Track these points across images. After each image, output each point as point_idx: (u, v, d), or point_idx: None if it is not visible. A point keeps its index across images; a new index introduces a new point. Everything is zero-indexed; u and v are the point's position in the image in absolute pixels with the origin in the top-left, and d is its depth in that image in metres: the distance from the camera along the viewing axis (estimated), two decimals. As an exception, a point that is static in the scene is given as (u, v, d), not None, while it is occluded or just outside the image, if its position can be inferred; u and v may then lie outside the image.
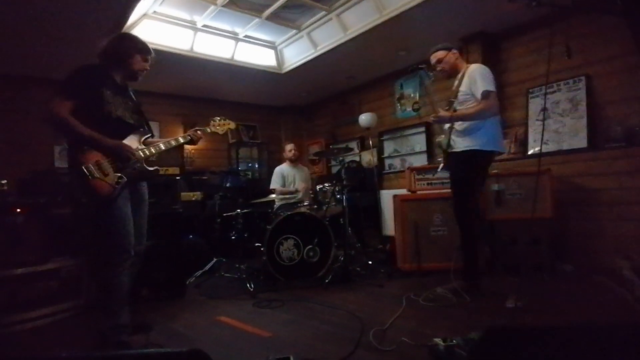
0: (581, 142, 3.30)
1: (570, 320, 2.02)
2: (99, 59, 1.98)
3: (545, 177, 3.01)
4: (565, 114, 3.40)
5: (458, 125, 2.51)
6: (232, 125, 2.44)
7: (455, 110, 2.51)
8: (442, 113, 2.52)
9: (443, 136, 2.61)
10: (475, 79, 2.41)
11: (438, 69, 2.66)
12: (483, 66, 2.50)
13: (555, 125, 3.39)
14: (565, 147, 3.38)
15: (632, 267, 2.42)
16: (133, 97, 2.09)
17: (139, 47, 2.01)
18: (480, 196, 2.57)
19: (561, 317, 2.08)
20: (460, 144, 2.49)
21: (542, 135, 2.10)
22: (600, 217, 3.19)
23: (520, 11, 3.27)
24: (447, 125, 2.59)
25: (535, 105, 3.62)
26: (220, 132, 2.39)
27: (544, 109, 2.39)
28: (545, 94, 2.12)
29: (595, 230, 3.21)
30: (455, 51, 2.60)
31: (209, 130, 2.31)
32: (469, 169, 2.46)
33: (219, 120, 2.38)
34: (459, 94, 2.51)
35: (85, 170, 1.77)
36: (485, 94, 2.37)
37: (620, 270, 2.58)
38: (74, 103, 1.80)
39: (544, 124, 2.09)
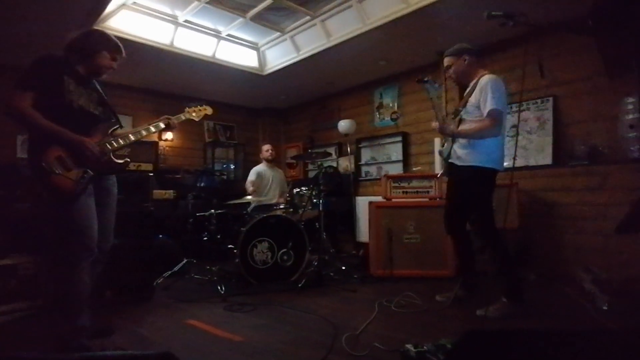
0: (546, 158, 3.49)
1: (539, 326, 2.12)
2: (64, 51, 1.89)
3: (513, 190, 3.14)
4: (533, 132, 3.59)
5: (460, 138, 2.40)
6: (209, 110, 2.36)
7: (461, 120, 2.41)
8: (446, 126, 2.43)
9: (446, 144, 2.52)
10: (486, 92, 2.23)
11: (447, 75, 2.52)
12: (497, 79, 2.28)
13: (523, 142, 3.57)
14: (531, 162, 3.57)
15: (592, 280, 2.57)
16: (98, 88, 1.99)
17: (108, 44, 1.93)
18: (491, 213, 2.39)
19: (527, 323, 2.16)
20: (462, 158, 2.36)
21: (515, 151, 2.18)
22: (562, 230, 3.37)
23: (495, 29, 3.41)
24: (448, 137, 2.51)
25: (506, 122, 3.79)
26: (197, 119, 2.31)
27: (518, 125, 2.49)
28: (519, 111, 2.20)
29: (557, 242, 3.39)
30: (466, 57, 2.39)
31: (183, 117, 2.22)
32: (467, 183, 2.35)
33: (194, 107, 2.31)
34: (468, 104, 2.35)
35: (45, 165, 1.67)
36: (491, 113, 2.20)
37: (581, 281, 2.73)
38: (34, 94, 1.71)
39: (517, 141, 2.18)
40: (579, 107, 3.42)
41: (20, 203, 2.68)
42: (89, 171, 1.78)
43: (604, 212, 3.15)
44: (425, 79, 2.61)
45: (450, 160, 2.47)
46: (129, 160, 1.97)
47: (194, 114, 2.28)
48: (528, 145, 3.59)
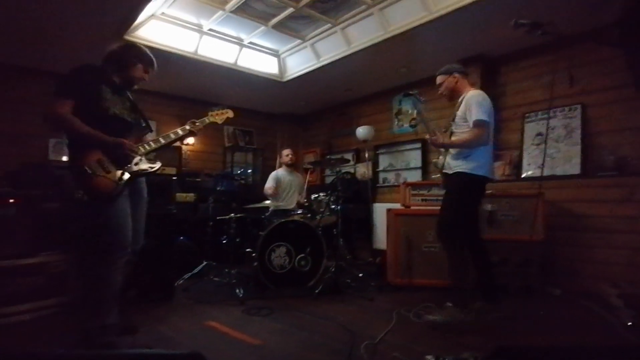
0: (574, 168, 3.38)
1: (563, 341, 2.05)
2: (103, 61, 2.02)
3: (538, 200, 3.07)
4: (560, 140, 3.49)
5: (452, 149, 2.55)
6: (231, 113, 2.45)
7: (452, 133, 2.57)
8: (437, 138, 2.57)
9: (441, 157, 2.65)
10: (471, 106, 2.43)
11: (439, 92, 2.70)
12: (482, 94, 2.50)
13: (550, 151, 3.47)
14: (558, 172, 3.46)
15: (619, 295, 2.47)
16: (130, 96, 2.10)
17: (143, 58, 2.08)
18: (475, 219, 2.54)
19: (551, 338, 2.10)
20: (452, 165, 2.51)
21: (544, 160, 2.15)
22: (590, 243, 3.25)
23: (520, 37, 3.36)
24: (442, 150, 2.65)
25: (530, 129, 3.71)
26: (219, 122, 2.40)
27: (546, 134, 2.41)
28: (548, 119, 2.16)
29: (583, 255, 3.27)
30: (456, 75, 2.62)
31: (207, 120, 2.32)
32: (459, 190, 2.47)
33: (217, 110, 2.39)
34: (456, 117, 2.54)
35: (87, 168, 1.76)
36: (477, 123, 2.38)
37: (608, 297, 2.64)
38: (73, 101, 1.81)
39: (545, 149, 2.14)
40: (607, 117, 3.31)
41: (51, 203, 2.80)
42: (126, 173, 1.86)
43: (632, 225, 3.03)
44: (411, 92, 2.78)
45: (444, 171, 2.59)
46: (160, 163, 2.05)
47: (217, 117, 2.36)
48: (555, 154, 3.49)
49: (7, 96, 4.12)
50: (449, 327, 2.25)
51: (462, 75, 2.64)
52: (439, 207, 2.65)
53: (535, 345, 1.82)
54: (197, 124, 2.20)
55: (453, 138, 2.53)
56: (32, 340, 2.12)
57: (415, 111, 2.82)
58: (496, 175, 2.54)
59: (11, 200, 2.52)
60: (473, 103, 2.42)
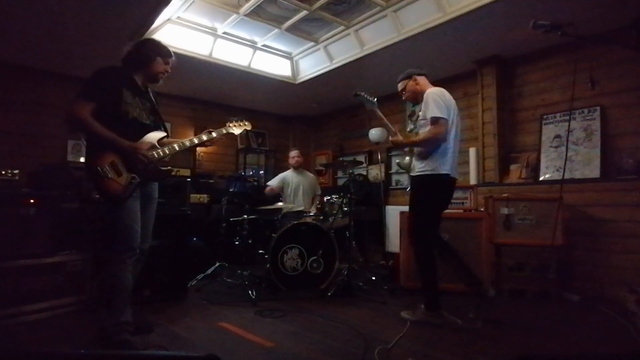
0: (594, 171, 3.29)
1: (580, 349, 1.99)
2: (123, 62, 2.05)
3: (558, 204, 2.99)
4: (579, 143, 3.40)
5: (416, 149, 2.53)
6: (249, 125, 2.45)
7: (416, 134, 2.56)
8: (397, 138, 2.56)
9: (407, 157, 2.64)
10: (427, 104, 2.42)
11: (403, 98, 2.70)
12: (438, 90, 2.48)
13: (569, 154, 3.38)
14: (577, 175, 3.36)
15: (636, 300, 2.39)
16: (152, 98, 2.13)
17: (161, 51, 2.09)
18: (439, 220, 2.54)
19: (570, 346, 2.04)
20: (417, 168, 2.49)
21: (565, 163, 2.10)
22: (609, 248, 3.15)
23: (537, 38, 3.30)
24: (407, 148, 2.65)
25: (548, 131, 3.63)
26: (237, 133, 2.40)
27: (567, 136, 2.33)
28: (569, 121, 2.10)
29: (603, 260, 3.18)
30: (416, 77, 2.61)
31: (224, 131, 2.31)
32: (420, 191, 2.46)
33: (235, 121, 2.40)
34: (419, 118, 2.53)
35: (99, 169, 1.80)
36: (433, 121, 2.37)
37: (625, 302, 2.55)
38: (94, 104, 1.86)
39: (567, 153, 2.09)
40: (628, 119, 3.21)
41: (69, 203, 2.87)
42: (137, 177, 1.89)
43: (655, 230, 2.93)
44: (357, 93, 2.74)
45: (410, 173, 2.58)
46: (172, 168, 2.08)
47: (235, 129, 2.36)
48: (574, 157, 3.40)
49: (28, 98, 4.24)
50: (470, 331, 2.22)
51: (422, 76, 2.63)
52: (456, 209, 2.62)
53: (555, 355, 1.77)
54: (213, 134, 2.20)
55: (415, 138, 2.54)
56: (51, 338, 2.17)
57: (368, 110, 2.79)
58: (457, 175, 2.53)
59: (31, 201, 2.58)
60: (429, 100, 2.41)
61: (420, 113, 2.52)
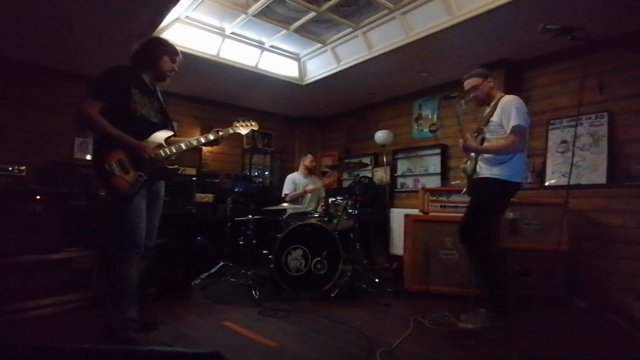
0: (600, 177, 3.26)
1: (586, 356, 1.98)
2: (131, 61, 2.07)
3: (564, 209, 2.97)
4: (586, 149, 3.37)
5: (486, 154, 2.46)
6: (256, 125, 2.46)
7: (483, 139, 2.48)
8: (470, 142, 2.46)
9: (469, 162, 2.57)
10: (510, 111, 2.35)
11: (471, 95, 2.59)
12: (519, 99, 2.43)
13: (575, 159, 3.36)
14: (584, 181, 3.34)
15: (645, 309, 2.37)
16: (160, 97, 2.15)
17: (167, 49, 2.10)
18: (499, 225, 2.52)
19: (574, 353, 2.02)
20: (486, 171, 2.44)
21: (571, 168, 2.08)
22: (616, 255, 3.12)
23: (546, 42, 3.29)
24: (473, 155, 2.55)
25: (555, 136, 3.61)
26: (243, 133, 2.42)
27: (573, 141, 2.33)
28: (576, 126, 2.09)
29: (609, 267, 3.15)
30: (490, 80, 2.56)
31: (231, 130, 2.33)
32: (491, 195, 2.41)
33: (242, 121, 2.41)
34: (490, 123, 2.46)
35: (106, 167, 1.83)
36: (516, 129, 2.32)
37: (631, 310, 2.53)
38: (103, 103, 1.88)
39: (572, 157, 2.09)
40: (635, 125, 3.18)
41: (77, 200, 2.90)
42: (144, 175, 1.91)
43: (662, 237, 2.90)
44: (454, 94, 2.71)
45: (475, 177, 2.52)
46: (178, 167, 2.10)
47: (241, 129, 2.37)
48: (581, 163, 3.38)
49: (36, 96, 4.30)
50: (474, 335, 2.21)
51: (493, 81, 2.59)
52: (462, 214, 2.61)
53: (559, 358, 1.75)
54: (220, 133, 2.21)
55: (486, 144, 2.46)
56: (56, 333, 2.19)
57: (455, 114, 2.71)
58: (527, 180, 2.51)
59: (39, 197, 2.61)
60: (512, 108, 2.35)
61: (494, 119, 2.44)
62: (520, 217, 3.13)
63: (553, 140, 3.62)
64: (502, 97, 2.49)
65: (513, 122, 2.32)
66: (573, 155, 2.10)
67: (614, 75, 3.28)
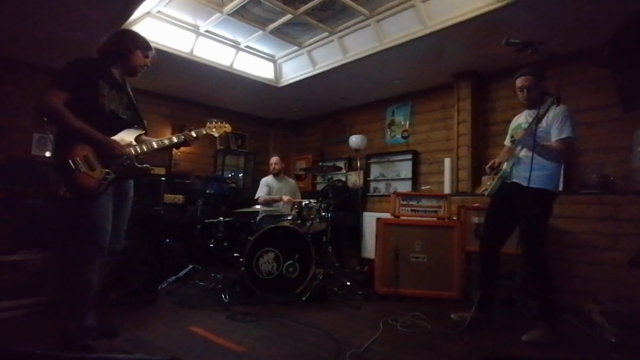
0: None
1: (546, 356, 2.07)
2: (99, 54, 1.97)
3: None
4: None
5: (525, 158, 2.33)
6: (229, 128, 2.41)
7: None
8: (528, 136, 2.32)
9: (506, 165, 2.45)
10: (565, 119, 2.29)
11: (524, 94, 2.43)
12: (571, 110, 2.36)
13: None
14: (543, 188, 3.53)
15: (601, 311, 2.52)
16: (130, 93, 2.06)
17: (140, 43, 2.01)
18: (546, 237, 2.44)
19: (534, 353, 2.12)
20: (533, 180, 2.22)
21: (530, 176, 2.17)
22: (572, 259, 3.31)
23: (510, 55, 3.45)
24: (516, 156, 2.43)
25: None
26: (216, 135, 2.36)
27: (532, 151, 2.37)
28: (535, 136, 2.19)
29: (566, 270, 3.33)
30: (543, 82, 2.42)
31: (204, 132, 2.27)
32: (544, 208, 2.35)
33: (215, 122, 2.36)
34: (539, 129, 2.29)
35: (71, 163, 1.71)
36: (568, 141, 2.29)
37: (589, 312, 2.68)
38: (68, 94, 1.77)
39: (532, 166, 2.17)
40: (592, 136, 3.41)
41: (33, 199, 2.73)
42: (111, 173, 1.82)
43: (614, 242, 3.11)
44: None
45: (513, 180, 2.40)
46: (149, 166, 2.02)
47: (214, 130, 2.32)
48: (540, 171, 3.57)
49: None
50: (441, 336, 2.26)
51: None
52: (430, 218, 2.62)
53: (518, 356, 1.83)
54: (192, 134, 2.15)
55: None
56: (10, 338, 2.04)
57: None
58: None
59: (-8, 195, 2.44)
60: (568, 117, 2.29)
61: (542, 124, 2.31)
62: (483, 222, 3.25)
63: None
64: (553, 103, 2.34)
65: (567, 132, 2.27)
66: (532, 163, 2.18)
67: (571, 89, 3.49)
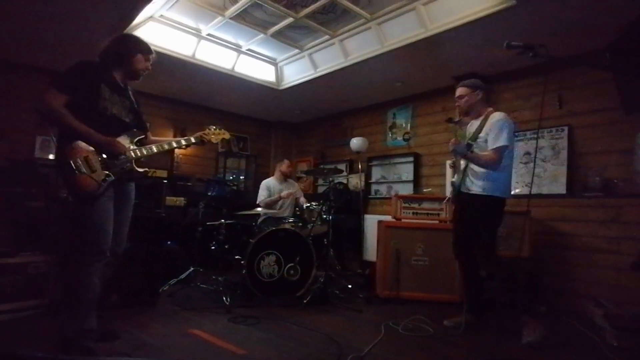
0: (560, 188, 3.45)
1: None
2: (100, 58, 1.98)
3: (526, 218, 3.11)
4: (547, 160, 3.56)
5: (475, 167, 2.45)
6: (227, 135, 2.41)
7: (471, 152, 2.47)
8: (461, 145, 2.44)
9: (456, 177, 2.58)
10: (501, 130, 2.35)
11: (456, 103, 2.62)
12: (508, 118, 2.43)
13: (537, 170, 3.54)
14: (545, 191, 3.53)
15: (603, 314, 2.50)
16: (131, 96, 2.07)
17: (141, 47, 2.03)
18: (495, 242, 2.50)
19: (536, 357, 2.10)
20: (477, 187, 2.43)
21: (532, 179, 2.18)
22: (574, 262, 3.30)
23: (512, 58, 3.46)
24: (463, 166, 2.56)
25: (519, 148, 3.78)
26: (214, 141, 2.36)
27: (535, 154, 2.40)
28: (537, 139, 2.20)
29: (568, 273, 3.32)
30: (479, 92, 2.54)
31: (203, 139, 2.28)
32: (494, 214, 2.41)
33: (214, 129, 2.36)
34: (479, 139, 2.44)
35: (72, 164, 1.72)
36: (500, 149, 2.34)
37: (591, 316, 2.66)
38: (68, 96, 1.77)
39: (534, 168, 2.17)
40: (594, 139, 3.40)
41: (35, 201, 2.74)
42: (112, 175, 1.82)
43: (617, 245, 3.09)
44: (456, 120, 2.72)
45: (462, 190, 2.53)
46: (148, 170, 2.02)
47: (212, 137, 2.32)
48: (542, 174, 3.57)
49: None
50: (438, 341, 2.25)
51: (484, 94, 2.58)
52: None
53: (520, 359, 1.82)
54: (192, 139, 2.16)
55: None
56: (11, 341, 2.04)
57: (455, 134, 2.70)
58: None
59: (-6, 197, 2.45)
60: (504, 127, 2.35)
61: (481, 134, 2.42)
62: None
63: (517, 152, 3.79)
64: (490, 112, 2.49)
65: (502, 142, 2.33)
66: (534, 166, 2.19)
67: (573, 92, 3.49)
